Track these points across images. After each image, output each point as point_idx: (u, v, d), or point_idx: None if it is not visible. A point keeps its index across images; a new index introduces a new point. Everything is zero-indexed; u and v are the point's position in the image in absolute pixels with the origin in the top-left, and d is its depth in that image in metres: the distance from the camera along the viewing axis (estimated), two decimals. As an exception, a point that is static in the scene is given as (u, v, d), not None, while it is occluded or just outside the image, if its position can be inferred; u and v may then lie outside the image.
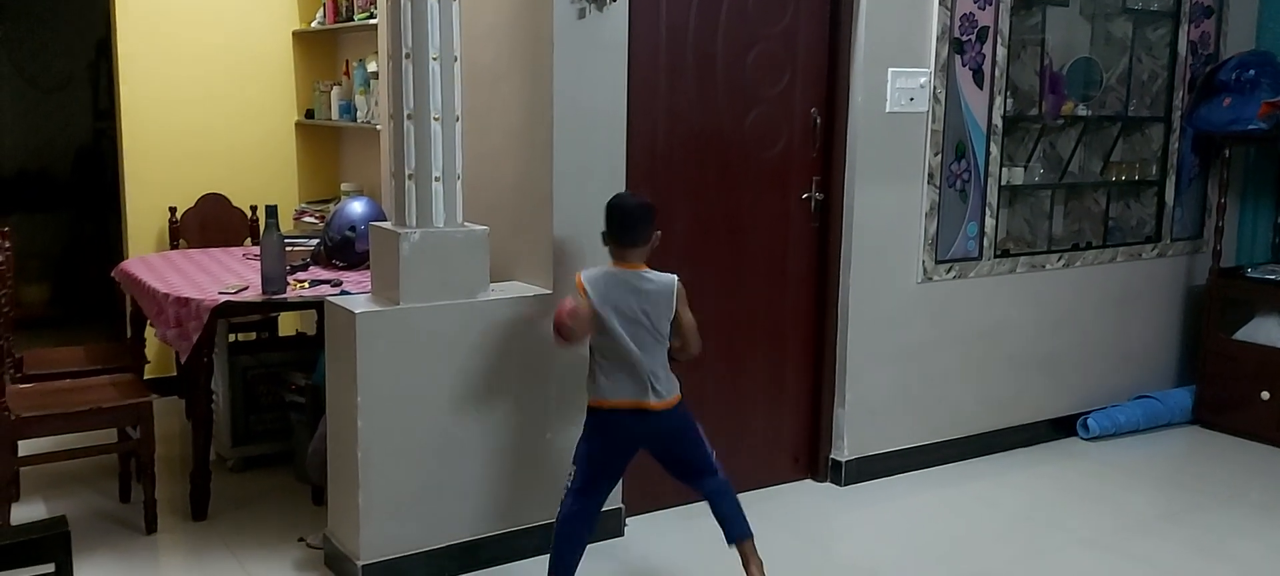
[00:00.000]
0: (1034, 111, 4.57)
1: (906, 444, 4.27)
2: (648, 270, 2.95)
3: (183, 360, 3.59)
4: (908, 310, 4.19)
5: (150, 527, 3.58)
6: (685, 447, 3.05)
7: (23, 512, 3.61)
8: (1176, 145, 4.92)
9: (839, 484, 4.12)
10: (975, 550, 3.62)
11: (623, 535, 3.58)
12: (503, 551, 3.36)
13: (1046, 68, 4.59)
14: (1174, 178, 4.94)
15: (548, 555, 3.00)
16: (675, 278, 2.95)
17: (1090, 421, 4.75)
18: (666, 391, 2.95)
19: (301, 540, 3.49)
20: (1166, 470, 4.51)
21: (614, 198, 3.05)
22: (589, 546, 3.11)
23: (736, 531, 3.04)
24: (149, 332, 4.41)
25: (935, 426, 4.35)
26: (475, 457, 3.29)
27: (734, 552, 3.04)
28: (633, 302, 2.89)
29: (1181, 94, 4.89)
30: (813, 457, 4.17)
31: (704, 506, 3.08)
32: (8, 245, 3.68)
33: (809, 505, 3.97)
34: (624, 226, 2.95)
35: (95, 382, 3.76)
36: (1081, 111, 4.74)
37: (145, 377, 4.19)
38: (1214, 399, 4.93)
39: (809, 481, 4.16)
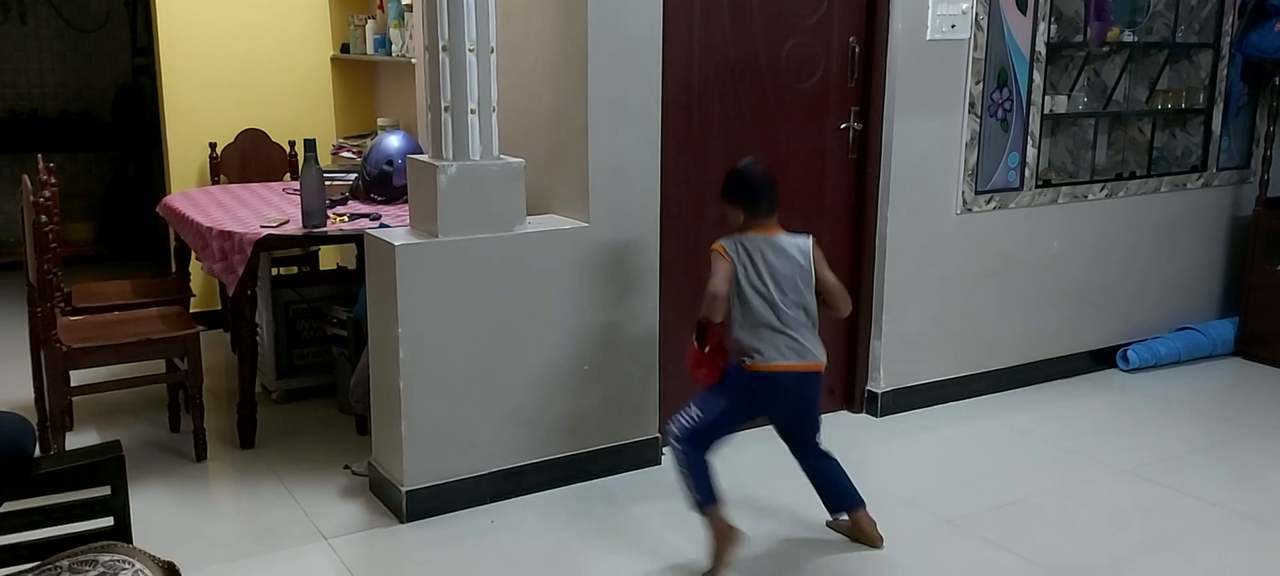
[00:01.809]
0: (1078, 38, 4.46)
1: (944, 376, 4.27)
2: (783, 233, 2.93)
3: (230, 292, 3.65)
4: (947, 242, 4.15)
5: (200, 455, 3.67)
6: (810, 413, 3.03)
7: (76, 441, 3.71)
8: (1225, 72, 4.80)
9: (875, 415, 4.13)
10: (1012, 480, 3.62)
11: (659, 464, 3.62)
12: (542, 478, 3.42)
13: (1092, -8, 4.49)
14: (1221, 106, 4.83)
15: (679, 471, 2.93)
16: (811, 238, 2.94)
17: (1130, 353, 4.71)
18: (818, 353, 2.94)
19: (347, 467, 3.56)
20: (1207, 402, 4.47)
21: (741, 167, 2.98)
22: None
23: (852, 499, 3.08)
24: (193, 267, 4.49)
25: (973, 358, 4.34)
26: (514, 387, 3.33)
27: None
28: (775, 264, 2.89)
29: (1231, 19, 4.76)
30: (849, 389, 4.18)
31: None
32: (53, 181, 3.75)
33: (845, 436, 3.97)
34: (755, 195, 2.92)
35: (143, 315, 3.84)
36: (1127, 38, 4.62)
37: (191, 311, 4.27)
38: (1257, 331, 4.86)
39: (845, 412, 4.18)
